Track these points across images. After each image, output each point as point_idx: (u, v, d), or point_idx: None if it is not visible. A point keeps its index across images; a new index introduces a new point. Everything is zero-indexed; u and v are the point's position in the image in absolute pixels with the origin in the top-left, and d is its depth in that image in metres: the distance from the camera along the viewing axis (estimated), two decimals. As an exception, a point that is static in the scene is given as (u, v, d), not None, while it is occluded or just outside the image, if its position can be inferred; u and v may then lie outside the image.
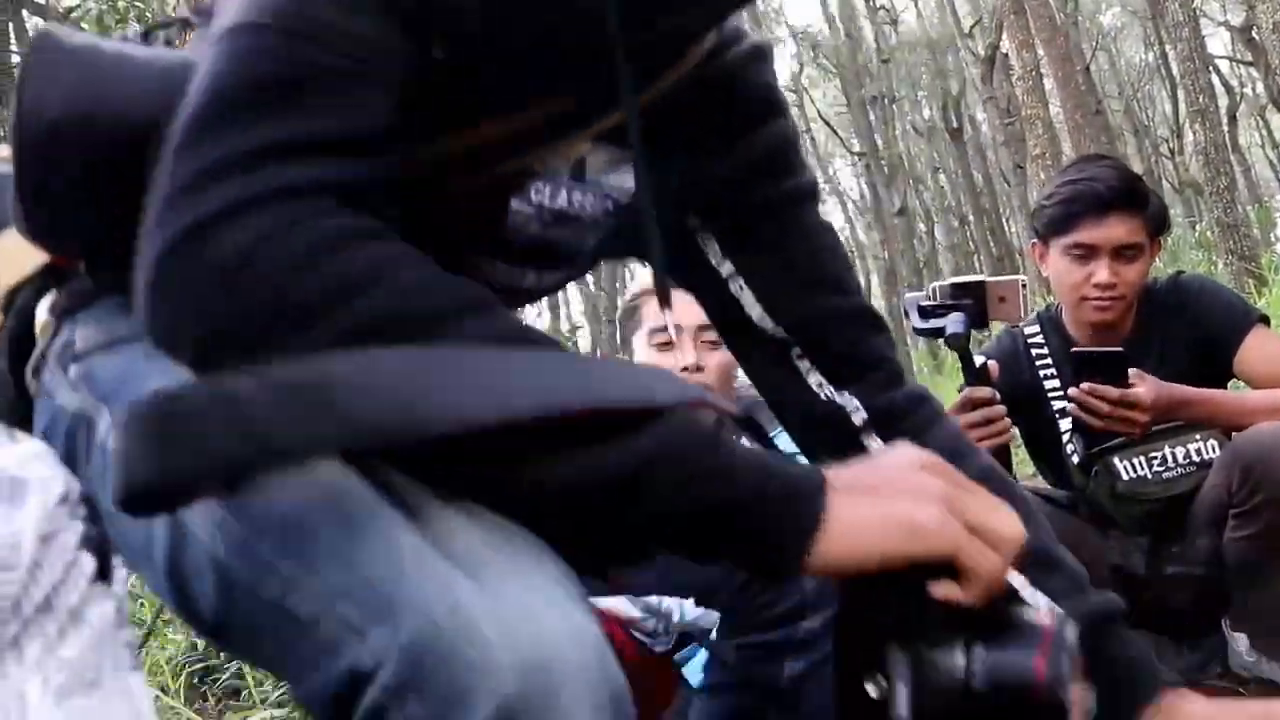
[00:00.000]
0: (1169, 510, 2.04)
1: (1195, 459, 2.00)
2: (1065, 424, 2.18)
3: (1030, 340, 2.29)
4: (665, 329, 1.90)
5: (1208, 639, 2.11)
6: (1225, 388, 2.12)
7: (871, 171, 28.59)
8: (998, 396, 1.80)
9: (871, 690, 0.67)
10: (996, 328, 2.38)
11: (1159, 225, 2.14)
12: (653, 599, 1.75)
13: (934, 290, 1.81)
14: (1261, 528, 1.83)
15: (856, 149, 32.19)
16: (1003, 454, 1.85)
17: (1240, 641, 1.97)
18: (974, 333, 1.82)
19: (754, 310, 1.11)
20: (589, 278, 25.63)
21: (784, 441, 1.87)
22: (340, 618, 0.60)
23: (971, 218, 31.11)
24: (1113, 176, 2.10)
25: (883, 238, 29.34)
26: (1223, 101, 27.47)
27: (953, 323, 1.70)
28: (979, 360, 1.81)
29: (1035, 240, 2.24)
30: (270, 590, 0.64)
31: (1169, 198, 31.14)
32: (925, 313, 1.75)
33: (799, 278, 1.11)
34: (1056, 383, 2.23)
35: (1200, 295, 2.14)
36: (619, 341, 2.06)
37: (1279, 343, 2.08)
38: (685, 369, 1.87)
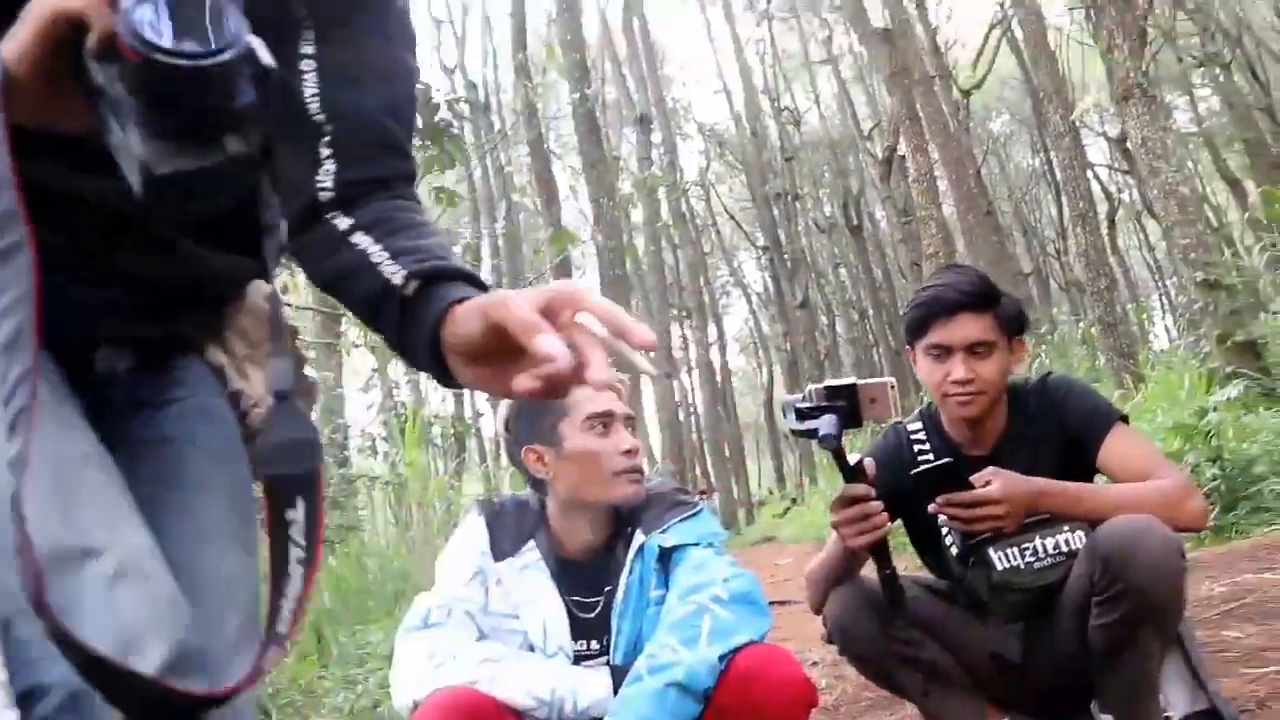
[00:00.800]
0: (1041, 599, 2.13)
1: (1064, 549, 2.09)
2: (943, 517, 2.25)
3: (913, 436, 2.37)
4: (606, 414, 1.98)
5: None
6: (1092, 481, 2.21)
7: (775, 265, 29.28)
8: (873, 493, 1.89)
9: None
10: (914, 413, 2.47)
11: (1014, 325, 2.26)
12: (545, 689, 1.79)
13: (810, 393, 1.88)
14: (1120, 615, 1.92)
15: (761, 243, 32.96)
16: (881, 548, 1.93)
17: (1107, 722, 2.07)
18: (851, 430, 1.91)
19: (310, 92, 1.07)
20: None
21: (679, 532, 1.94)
22: None
23: (871, 312, 31.99)
24: (962, 281, 2.24)
25: (785, 330, 29.93)
26: (1103, 207, 28.89)
27: (825, 424, 1.80)
28: (855, 459, 1.89)
29: (908, 345, 2.36)
30: None
31: (1055, 296, 32.41)
32: (801, 414, 1.84)
33: (361, 73, 1.10)
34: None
35: (1067, 396, 2.25)
36: (521, 434, 2.05)
37: (1137, 440, 2.20)
38: (629, 451, 1.97)
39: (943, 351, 2.21)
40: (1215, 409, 5.87)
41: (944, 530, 2.24)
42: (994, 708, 2.26)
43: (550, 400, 2.01)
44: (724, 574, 1.86)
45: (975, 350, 2.19)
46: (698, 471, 32.48)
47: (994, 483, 1.99)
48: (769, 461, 44.64)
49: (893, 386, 1.88)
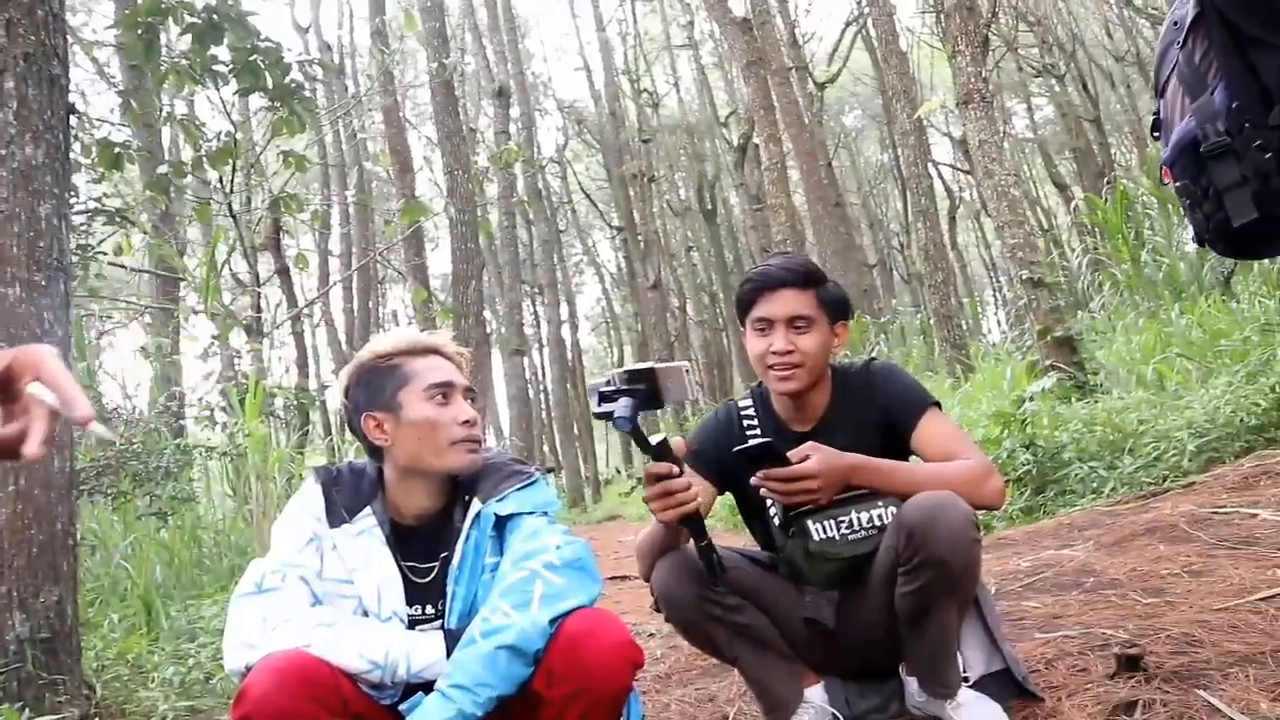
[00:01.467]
0: (854, 568, 2.27)
1: (877, 523, 2.23)
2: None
3: (743, 412, 2.51)
4: (445, 384, 2.03)
5: (888, 683, 2.36)
6: (906, 460, 2.36)
7: (629, 246, 29.41)
8: (676, 471, 1.97)
9: None
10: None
11: (837, 308, 2.40)
12: (379, 652, 1.82)
13: (613, 377, 1.94)
14: (922, 583, 2.09)
15: (615, 223, 33.06)
16: (693, 521, 2.02)
17: (912, 684, 2.23)
18: (655, 411, 1.99)
19: None
20: (341, 332, 24.88)
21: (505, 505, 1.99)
22: None
23: (721, 295, 32.51)
24: (785, 261, 2.39)
25: (637, 310, 30.15)
26: (944, 204, 30.10)
27: (620, 408, 1.88)
28: (659, 438, 1.97)
29: (740, 323, 2.48)
30: None
31: (898, 287, 33.59)
32: (603, 398, 1.92)
33: None
34: None
35: (887, 380, 2.41)
36: (360, 401, 2.08)
37: (946, 425, 2.36)
38: (466, 422, 2.01)
39: (766, 325, 2.36)
40: (1032, 399, 6.23)
41: (768, 503, 2.36)
42: (810, 670, 2.40)
43: (392, 367, 2.05)
44: (556, 541, 1.92)
45: (796, 324, 2.34)
46: (545, 448, 32.52)
47: (811, 458, 2.11)
48: (617, 440, 44.97)
49: (688, 370, 1.95)
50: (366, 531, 2.01)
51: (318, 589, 1.94)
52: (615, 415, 1.87)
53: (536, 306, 35.14)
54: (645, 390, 1.92)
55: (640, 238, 27.79)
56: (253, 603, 1.88)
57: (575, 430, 29.60)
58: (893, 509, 2.21)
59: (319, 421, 21.95)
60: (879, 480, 2.20)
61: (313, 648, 1.79)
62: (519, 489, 2.03)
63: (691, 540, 2.08)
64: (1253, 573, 3.05)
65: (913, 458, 2.36)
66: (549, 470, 28.05)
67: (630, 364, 2.00)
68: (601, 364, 51.17)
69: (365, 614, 1.94)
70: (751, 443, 2.12)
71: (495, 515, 1.99)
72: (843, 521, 2.24)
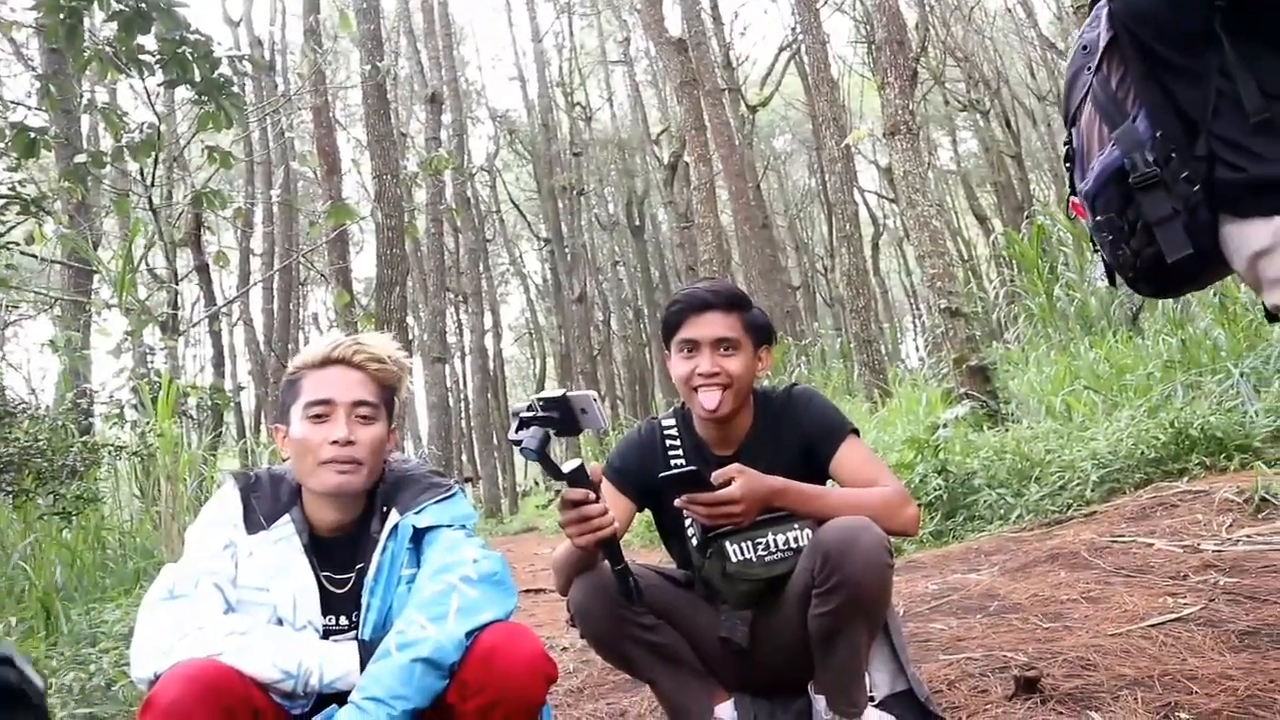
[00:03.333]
0: (769, 589, 2.32)
1: (793, 545, 2.27)
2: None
3: (666, 432, 2.53)
4: (322, 402, 2.00)
5: (798, 701, 2.41)
6: (824, 484, 2.41)
7: (555, 258, 29.39)
8: (592, 497, 1.97)
9: None
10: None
11: (762, 334, 2.44)
12: (292, 661, 1.81)
13: (534, 402, 1.94)
14: (835, 605, 2.13)
15: (543, 234, 33.01)
16: (609, 545, 2.03)
17: (820, 702, 2.27)
18: (565, 439, 1.99)
19: None
20: (260, 333, 24.45)
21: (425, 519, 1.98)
22: None
23: (646, 310, 32.62)
24: (711, 285, 2.44)
25: (561, 323, 30.10)
26: (869, 230, 30.62)
27: (528, 437, 1.88)
28: (573, 464, 1.97)
29: (664, 347, 2.50)
30: None
31: (821, 310, 34.06)
32: (522, 423, 1.91)
33: None
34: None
35: (808, 406, 2.45)
36: (281, 409, 2.10)
37: (864, 452, 2.41)
38: (335, 442, 1.98)
39: (693, 347, 2.39)
40: (946, 425, 6.38)
41: (687, 523, 2.40)
42: (723, 689, 2.43)
43: (294, 379, 2.04)
44: (473, 555, 1.92)
45: (722, 346, 2.37)
46: (464, 458, 32.23)
47: (735, 482, 2.14)
48: (537, 452, 44.66)
49: (596, 399, 1.95)
50: (285, 539, 2.00)
51: (232, 596, 1.92)
52: (523, 445, 1.88)
53: (460, 315, 34.89)
54: (559, 418, 1.93)
55: (567, 250, 27.80)
56: (164, 609, 1.85)
57: (494, 440, 29.40)
58: (808, 532, 2.26)
59: (233, 423, 21.52)
60: (800, 504, 2.24)
61: (224, 656, 1.77)
62: (437, 501, 2.04)
63: (608, 562, 2.09)
64: (1146, 600, 3.17)
65: (830, 483, 2.41)
66: (467, 480, 27.77)
67: (547, 390, 1.98)
68: (524, 375, 50.94)
69: (280, 623, 1.93)
70: (676, 470, 2.14)
71: (413, 527, 1.99)
72: (760, 543, 2.28)
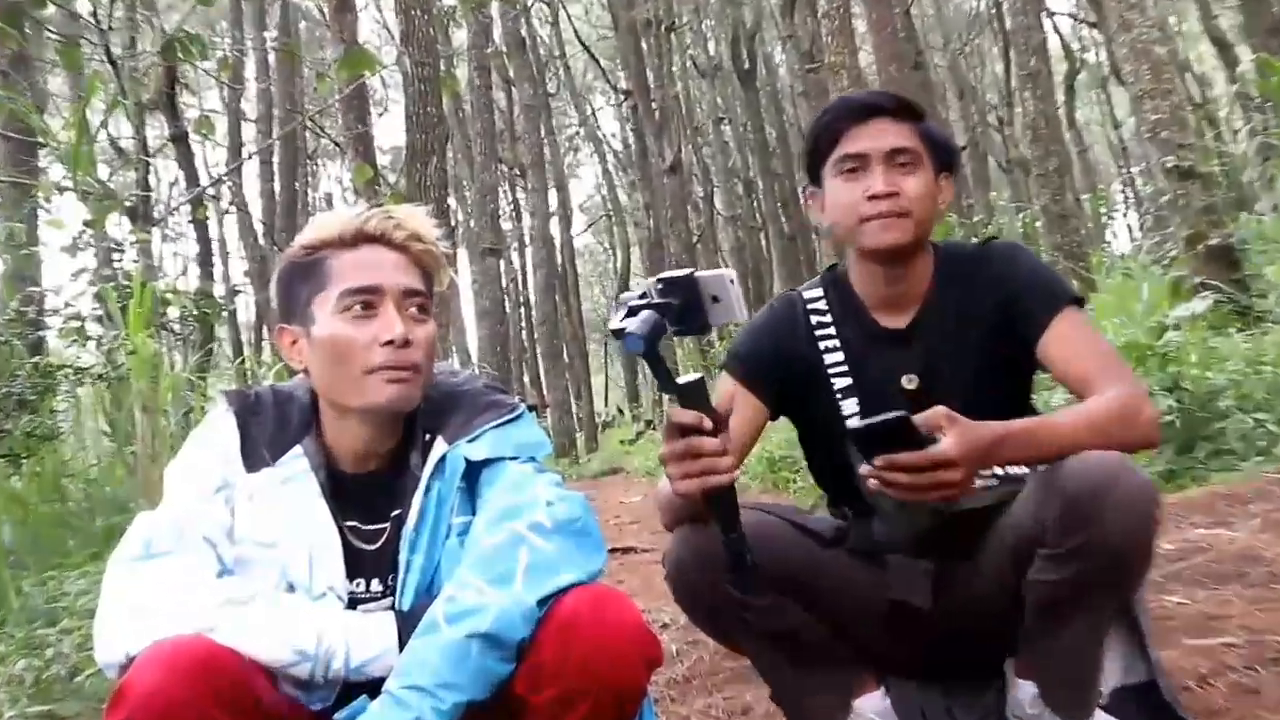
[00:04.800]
0: (961, 527, 2.24)
1: (999, 471, 2.21)
2: (849, 406, 2.37)
3: (810, 306, 2.49)
4: (367, 290, 1.96)
5: (987, 690, 2.34)
6: (1023, 371, 2.38)
7: (639, 116, 29.18)
8: (709, 426, 1.87)
9: None
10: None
11: (942, 153, 2.39)
12: (309, 639, 1.78)
13: (649, 288, 1.90)
14: (1076, 571, 2.01)
15: (623, 85, 32.79)
16: (721, 499, 1.91)
17: (1025, 690, 2.20)
18: (690, 337, 1.92)
19: None
20: (258, 221, 24.83)
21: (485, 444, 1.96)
22: None
23: (760, 182, 32.39)
24: (876, 90, 2.41)
25: (648, 201, 30.02)
26: (1061, 67, 29.84)
27: (637, 324, 1.81)
28: (692, 377, 1.89)
29: (808, 187, 2.46)
30: None
31: (994, 176, 33.45)
32: (632, 310, 1.86)
33: None
34: (840, 356, 2.42)
35: (1013, 263, 2.37)
36: (280, 309, 2.07)
37: (1087, 331, 2.31)
38: (390, 342, 1.93)
39: (858, 163, 2.34)
40: (1177, 327, 6.19)
41: (850, 419, 2.35)
42: (870, 675, 2.38)
43: (314, 262, 1.99)
44: (547, 496, 1.90)
45: (898, 160, 2.33)
46: (525, 379, 32.68)
47: (948, 435, 1.98)
48: (621, 371, 45.21)
49: (734, 280, 1.89)
50: (295, 479, 1.98)
51: (227, 554, 1.92)
52: (627, 334, 1.80)
53: (517, 193, 35.07)
54: (680, 305, 1.87)
55: (655, 105, 27.57)
56: (139, 570, 1.85)
57: (566, 356, 29.74)
58: None
59: (227, 339, 22.04)
60: (1032, 451, 2.12)
61: (218, 632, 1.76)
62: (497, 425, 2.02)
63: (718, 522, 1.99)
64: None
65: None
66: (530, 408, 27.96)
67: (668, 271, 1.92)
68: (601, 270, 51.22)
69: (291, 589, 1.92)
70: (879, 417, 1.97)
71: (466, 460, 1.97)
72: None
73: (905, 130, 2.35)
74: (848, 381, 2.40)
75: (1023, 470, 2.23)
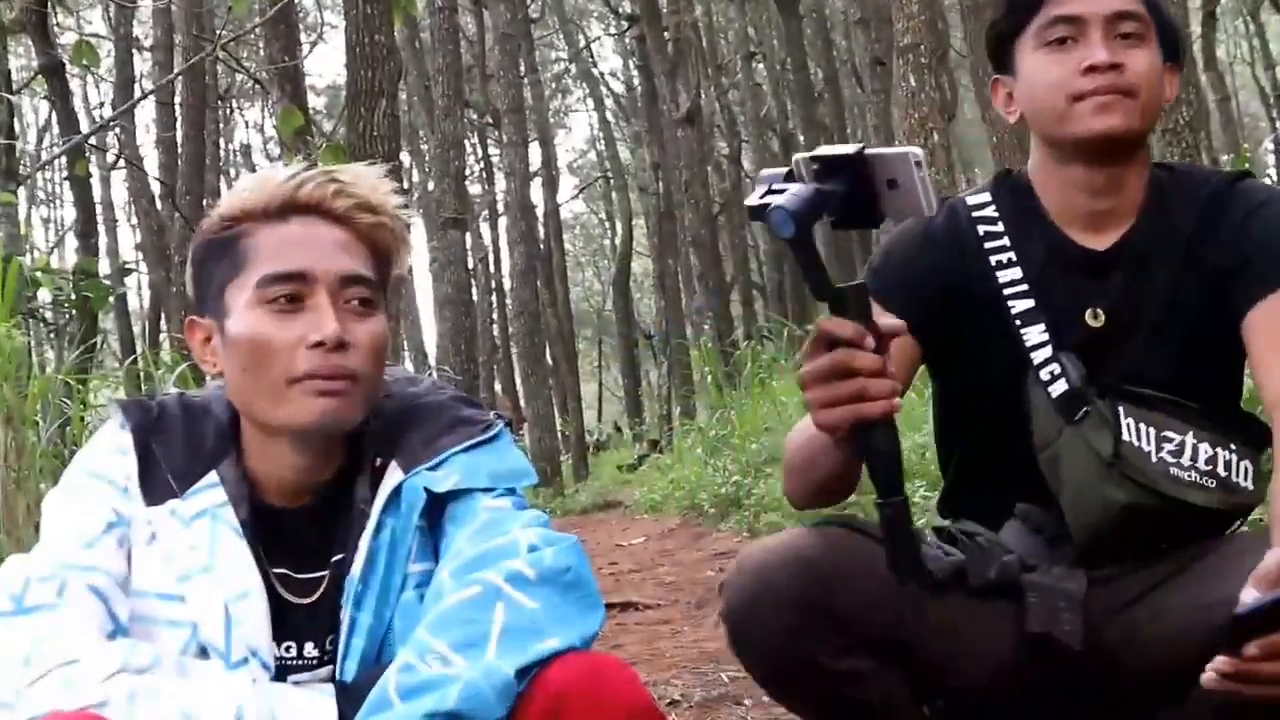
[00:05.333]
0: (1153, 529, 2.27)
1: (1214, 469, 2.24)
2: (1034, 334, 2.36)
3: (977, 215, 2.49)
4: (291, 277, 1.95)
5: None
6: (1239, 347, 2.31)
7: (648, 49, 29.17)
8: (869, 340, 1.78)
9: None
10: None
11: (1170, 36, 2.40)
12: (223, 718, 1.79)
13: (798, 164, 1.82)
14: None
15: (626, 8, 32.80)
16: (881, 440, 1.81)
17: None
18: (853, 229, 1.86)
19: None
20: (155, 181, 24.80)
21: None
22: None
23: (803, 138, 32.29)
24: None
25: (657, 159, 30.01)
26: (1194, -8, 29.76)
27: (788, 198, 1.72)
28: (853, 282, 1.83)
29: (994, 77, 2.50)
30: None
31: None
32: (772, 191, 1.78)
33: None
34: (1017, 273, 2.41)
35: (1258, 211, 2.36)
36: (195, 291, 2.08)
37: None
38: (319, 344, 1.92)
39: (1071, 30, 2.34)
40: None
41: (1036, 356, 2.36)
42: None
43: (231, 238, 2.00)
44: (529, 539, 1.89)
45: (1121, 28, 2.33)
46: (497, 387, 32.64)
47: None
48: (618, 377, 45.02)
49: (918, 162, 1.76)
50: (209, 514, 1.98)
51: (121, 609, 1.93)
52: (772, 208, 1.73)
53: (488, 148, 35.06)
54: (845, 191, 1.78)
55: (668, 36, 27.57)
56: (9, 629, 1.86)
57: (549, 358, 29.70)
58: (1238, 459, 2.25)
59: (115, 331, 21.99)
60: None
61: (109, 708, 1.76)
62: (467, 448, 2.02)
63: (872, 485, 1.85)
64: None
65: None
66: (507, 424, 27.74)
67: (824, 148, 1.81)
68: (594, 248, 51.00)
69: (203, 653, 1.93)
70: (1266, 597, 1.81)
71: (427, 492, 1.98)
72: (1168, 439, 2.26)
73: None
74: (1028, 304, 2.38)
75: (1245, 482, 2.27)
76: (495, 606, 1.81)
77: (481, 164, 35.49)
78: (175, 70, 22.90)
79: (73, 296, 10.53)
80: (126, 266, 21.62)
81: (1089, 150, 2.34)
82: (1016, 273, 2.40)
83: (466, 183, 26.94)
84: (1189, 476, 2.22)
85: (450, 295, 22.51)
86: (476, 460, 2.01)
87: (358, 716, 1.77)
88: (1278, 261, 2.30)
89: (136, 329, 23.27)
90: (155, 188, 24.80)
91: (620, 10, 35.01)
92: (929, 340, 2.42)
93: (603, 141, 42.02)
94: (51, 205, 32.40)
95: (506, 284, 33.12)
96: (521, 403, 29.34)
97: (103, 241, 23.72)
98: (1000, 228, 2.45)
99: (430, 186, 23.93)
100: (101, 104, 27.82)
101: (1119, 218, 2.40)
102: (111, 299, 13.18)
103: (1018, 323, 2.38)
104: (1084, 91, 2.29)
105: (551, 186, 35.65)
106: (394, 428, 2.05)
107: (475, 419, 2.07)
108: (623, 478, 23.14)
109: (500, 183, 33.26)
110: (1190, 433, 2.24)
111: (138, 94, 24.03)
